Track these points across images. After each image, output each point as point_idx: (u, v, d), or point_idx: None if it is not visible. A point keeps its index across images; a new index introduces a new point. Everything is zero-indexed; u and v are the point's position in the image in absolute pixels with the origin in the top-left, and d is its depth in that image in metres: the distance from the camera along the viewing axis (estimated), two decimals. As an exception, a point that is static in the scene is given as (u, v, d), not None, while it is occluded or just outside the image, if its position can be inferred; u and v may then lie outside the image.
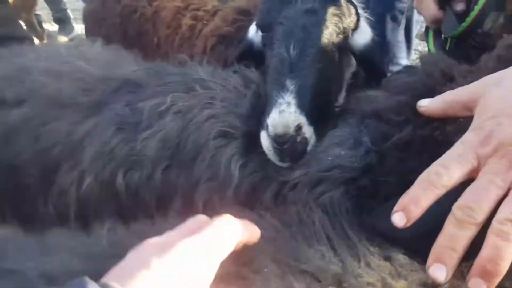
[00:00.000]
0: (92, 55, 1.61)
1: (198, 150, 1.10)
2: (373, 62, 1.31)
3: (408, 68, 1.09)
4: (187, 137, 1.11)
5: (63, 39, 3.24)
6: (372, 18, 1.40)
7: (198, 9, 1.90)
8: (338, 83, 1.32)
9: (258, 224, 0.78)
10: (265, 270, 0.67)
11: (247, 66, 1.31)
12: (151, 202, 1.13)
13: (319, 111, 1.13)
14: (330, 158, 0.92)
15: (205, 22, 1.82)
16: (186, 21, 1.87)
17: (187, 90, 1.21)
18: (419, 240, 0.71)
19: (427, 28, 1.69)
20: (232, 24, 1.72)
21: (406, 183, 0.78)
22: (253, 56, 1.38)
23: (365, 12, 1.39)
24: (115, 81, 1.39)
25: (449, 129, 0.79)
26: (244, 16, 1.71)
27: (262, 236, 0.73)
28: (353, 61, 1.40)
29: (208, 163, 1.09)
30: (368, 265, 0.71)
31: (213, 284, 0.61)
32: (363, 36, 1.31)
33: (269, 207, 0.91)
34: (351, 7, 1.26)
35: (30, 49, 1.69)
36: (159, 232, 0.83)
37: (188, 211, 1.10)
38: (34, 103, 1.38)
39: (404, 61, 2.39)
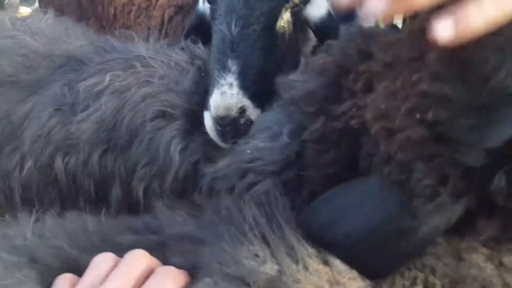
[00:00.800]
0: (39, 29, 1.52)
1: (134, 133, 1.05)
2: (331, 36, 1.23)
3: (328, 45, 0.98)
4: (123, 118, 1.05)
5: (25, 9, 3.08)
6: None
7: (155, -22, 1.79)
8: (293, 60, 1.25)
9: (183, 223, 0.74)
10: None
11: (195, 41, 1.24)
12: (90, 188, 1.09)
13: (267, 91, 1.07)
14: (248, 151, 0.87)
15: (161, -9, 1.72)
16: (143, -10, 1.77)
17: (127, 68, 1.14)
18: (353, 246, 0.67)
19: None
20: (190, -7, 1.62)
21: (327, 176, 0.73)
22: (203, 30, 1.29)
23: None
24: (59, 58, 1.31)
25: (368, 117, 0.72)
26: (201, -16, 1.61)
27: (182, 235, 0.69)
28: (312, 35, 1.32)
29: (146, 146, 1.04)
30: (306, 268, 0.64)
31: None
32: (317, 9, 1.21)
33: (204, 197, 0.87)
34: None
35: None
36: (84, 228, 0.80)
37: (128, 198, 1.06)
38: (-26, 81, 1.32)
39: None
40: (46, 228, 0.80)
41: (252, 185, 0.88)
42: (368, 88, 0.74)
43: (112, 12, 1.82)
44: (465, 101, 0.57)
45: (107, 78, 1.12)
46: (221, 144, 1.04)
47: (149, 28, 1.72)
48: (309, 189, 0.79)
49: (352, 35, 0.87)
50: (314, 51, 1.36)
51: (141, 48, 1.19)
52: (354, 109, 0.75)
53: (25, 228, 0.80)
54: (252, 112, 1.03)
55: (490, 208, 0.61)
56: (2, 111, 1.24)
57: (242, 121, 1.02)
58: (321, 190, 0.75)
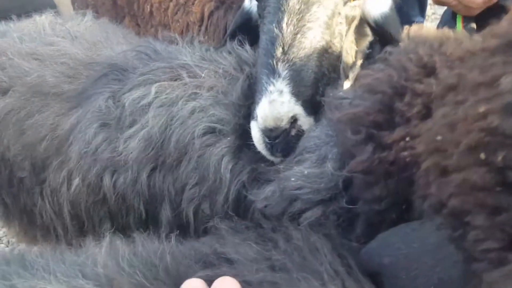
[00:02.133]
0: (79, 32, 1.47)
1: (183, 150, 0.98)
2: (390, 34, 1.09)
3: (388, 53, 0.83)
4: (171, 135, 0.99)
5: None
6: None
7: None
8: (349, 59, 1.13)
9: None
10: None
11: (241, 42, 1.14)
12: (139, 207, 1.04)
13: (321, 97, 0.96)
14: (293, 179, 0.77)
15: (201, -14, 1.62)
16: (181, -15, 1.68)
17: (173, 78, 1.07)
18: None
19: (454, 13, 1.49)
20: (231, -13, 1.51)
21: (376, 211, 0.63)
22: (249, 30, 1.19)
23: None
24: (101, 66, 1.26)
25: (420, 149, 0.60)
26: (244, -23, 1.49)
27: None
28: (368, 30, 1.19)
29: (195, 165, 0.97)
30: None
31: None
32: (379, 4, 1.08)
33: (258, 230, 0.79)
34: None
35: (14, 27, 1.56)
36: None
37: (178, 219, 1.01)
38: (18, 92, 1.30)
39: (417, 18, 2.08)
40: (120, 256, 0.75)
41: (301, 212, 0.80)
42: (425, 114, 0.63)
43: (148, 10, 1.74)
44: None
45: (153, 90, 1.05)
46: (269, 157, 0.95)
47: (187, 25, 1.63)
48: (363, 223, 0.70)
49: (414, 43, 0.74)
50: (371, 47, 1.23)
51: (186, 54, 1.11)
52: (407, 138, 0.63)
53: (96, 256, 0.76)
54: (304, 121, 0.92)
55: None
56: (48, 124, 1.20)
57: (293, 132, 0.91)
58: (376, 227, 0.66)
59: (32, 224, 1.44)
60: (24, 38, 1.45)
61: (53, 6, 2.62)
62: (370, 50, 1.21)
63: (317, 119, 0.94)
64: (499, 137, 0.46)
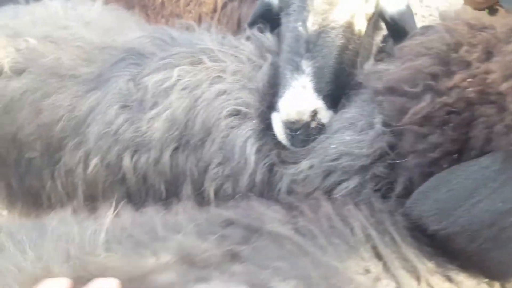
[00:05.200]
0: (91, 17, 1.48)
1: (207, 131, 1.01)
2: (406, 31, 1.15)
3: (424, 29, 0.92)
4: (196, 116, 1.01)
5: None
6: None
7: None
8: (366, 53, 1.18)
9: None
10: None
11: (261, 29, 1.17)
12: (160, 187, 1.06)
13: (341, 91, 1.02)
14: (333, 146, 0.83)
15: (214, -23, 1.65)
16: (194, -25, 1.70)
17: (194, 62, 1.10)
18: (476, 237, 0.61)
19: None
20: (247, -21, 1.55)
21: (429, 162, 0.68)
22: (268, 18, 1.23)
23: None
24: (117, 50, 1.27)
25: (494, 77, 0.67)
26: (259, -30, 1.53)
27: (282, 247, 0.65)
28: (383, 25, 1.24)
29: (219, 145, 1.00)
30: (430, 287, 0.59)
31: None
32: (396, 2, 1.13)
33: (285, 201, 0.83)
34: None
35: (25, 10, 1.55)
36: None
37: (198, 198, 1.04)
38: (34, 74, 1.30)
39: None
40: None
41: (336, 184, 0.85)
42: (487, 56, 0.71)
43: (160, 0, 1.75)
44: None
45: (175, 73, 1.08)
46: (290, 147, 1.00)
47: (200, 16, 1.66)
48: (404, 180, 0.75)
49: (458, 14, 0.82)
50: (384, 41, 1.29)
51: (206, 40, 1.14)
52: (469, 79, 0.70)
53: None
54: (324, 115, 0.98)
55: None
56: (65, 105, 1.21)
57: (313, 124, 0.97)
58: (420, 179, 0.71)
59: (38, 206, 1.44)
60: (37, 21, 1.44)
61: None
62: (384, 44, 1.27)
63: (335, 112, 0.99)
64: None
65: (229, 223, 0.72)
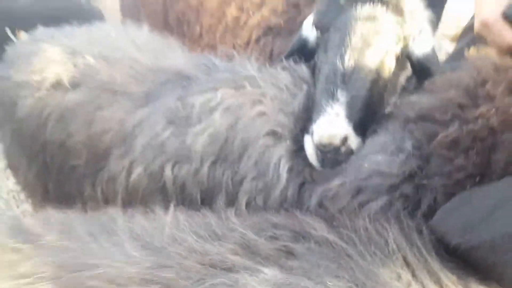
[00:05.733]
0: (141, 41, 1.64)
1: (245, 147, 1.12)
2: (431, 71, 1.27)
3: (453, 66, 1.05)
4: (236, 133, 1.13)
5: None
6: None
7: (244, -1, 1.88)
8: (392, 90, 1.30)
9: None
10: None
11: (296, 61, 1.31)
12: (196, 196, 1.17)
13: (369, 121, 1.13)
14: (366, 165, 0.93)
15: (251, 12, 1.81)
16: (232, 11, 1.86)
17: (237, 86, 1.22)
18: (495, 251, 0.69)
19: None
20: (281, 16, 1.70)
21: (453, 183, 0.78)
22: (303, 52, 1.36)
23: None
24: (165, 73, 1.42)
25: (495, 126, 0.77)
26: (294, 8, 1.69)
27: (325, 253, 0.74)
28: (409, 65, 1.37)
29: (255, 161, 1.11)
30: None
31: None
32: (424, 44, 1.25)
33: (319, 215, 0.92)
34: (415, 13, 1.20)
35: (81, 31, 1.73)
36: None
37: (231, 208, 1.13)
38: (89, 88, 1.44)
39: None
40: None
41: (365, 203, 0.94)
42: (509, 91, 0.83)
43: (198, 31, 1.91)
44: None
45: (219, 95, 1.20)
46: (319, 169, 1.09)
47: (234, 47, 1.80)
48: (429, 199, 0.84)
49: (485, 56, 0.94)
50: (408, 80, 1.40)
51: (248, 67, 1.27)
52: (494, 110, 0.82)
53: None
54: (354, 141, 1.08)
55: None
56: (116, 118, 1.34)
57: (342, 149, 1.06)
58: (443, 199, 0.81)
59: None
60: (93, 41, 1.61)
61: (101, 17, 2.82)
62: (408, 83, 1.39)
63: (363, 140, 1.10)
64: None
65: (277, 226, 0.81)
